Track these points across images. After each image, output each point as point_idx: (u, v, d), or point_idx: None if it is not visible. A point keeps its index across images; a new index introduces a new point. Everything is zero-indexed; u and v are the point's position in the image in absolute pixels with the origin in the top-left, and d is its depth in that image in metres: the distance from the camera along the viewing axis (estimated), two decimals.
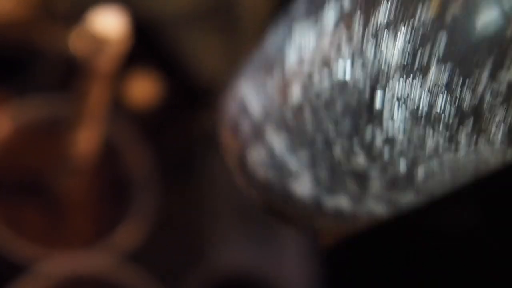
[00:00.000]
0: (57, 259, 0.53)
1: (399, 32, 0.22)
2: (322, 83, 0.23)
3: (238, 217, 0.68)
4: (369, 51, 0.22)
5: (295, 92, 0.24)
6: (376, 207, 0.26)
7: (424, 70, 0.22)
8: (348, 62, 0.23)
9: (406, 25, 0.22)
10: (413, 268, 0.59)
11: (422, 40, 0.21)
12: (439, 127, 0.22)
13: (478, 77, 0.21)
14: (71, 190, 0.57)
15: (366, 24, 0.22)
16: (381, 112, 0.22)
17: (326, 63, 0.23)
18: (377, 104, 0.22)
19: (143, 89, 0.65)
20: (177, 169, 0.68)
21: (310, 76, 0.24)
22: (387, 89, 0.22)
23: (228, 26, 0.85)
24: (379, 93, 0.22)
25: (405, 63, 0.22)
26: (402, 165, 0.23)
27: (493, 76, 0.21)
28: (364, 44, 0.22)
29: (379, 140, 0.23)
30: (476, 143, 0.23)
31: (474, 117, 0.22)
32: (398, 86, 0.22)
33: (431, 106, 0.22)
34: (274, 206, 0.28)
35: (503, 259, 0.54)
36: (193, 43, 0.82)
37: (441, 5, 0.21)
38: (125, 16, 0.39)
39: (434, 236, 0.58)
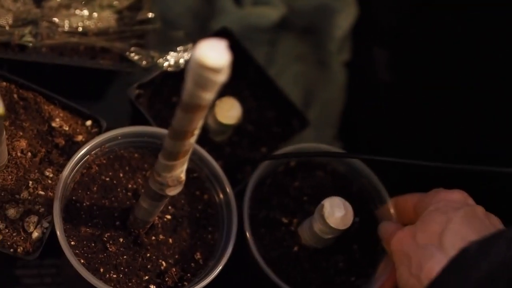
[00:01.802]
0: None
1: None
2: None
3: None
4: None
5: None
6: None
7: None
8: None
9: None
10: None
11: None
12: None
13: None
14: (156, 224, 0.55)
15: None
16: None
17: None
18: None
19: (228, 113, 0.63)
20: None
21: None
22: None
23: (314, 53, 0.83)
24: None
25: None
26: None
27: None
28: None
29: None
30: None
31: None
32: None
33: None
34: None
35: None
36: (278, 68, 0.80)
37: None
38: (226, 45, 0.37)
39: None
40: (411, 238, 0.50)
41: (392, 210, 0.60)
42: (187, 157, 0.44)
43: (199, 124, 0.41)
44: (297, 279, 0.57)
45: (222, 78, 0.36)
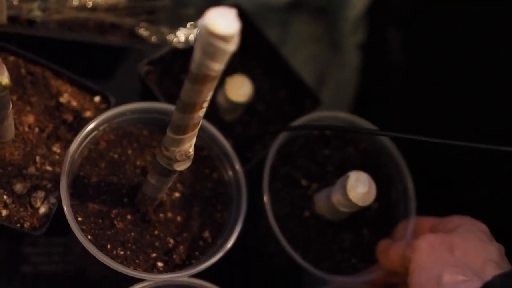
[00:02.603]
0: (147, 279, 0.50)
1: None
2: None
3: None
4: None
5: None
6: None
7: None
8: None
9: None
10: None
11: None
12: None
13: None
14: (165, 202, 0.54)
15: None
16: None
17: None
18: None
19: (238, 90, 0.62)
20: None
21: None
22: None
23: (327, 34, 0.81)
24: None
25: None
26: None
27: None
28: None
29: None
30: None
31: None
32: None
33: None
34: None
35: None
36: (290, 49, 0.78)
37: None
38: (236, 14, 0.36)
39: None
40: (448, 250, 0.47)
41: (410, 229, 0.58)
42: (195, 131, 0.43)
43: (208, 96, 0.40)
44: (299, 242, 0.57)
45: (231, 47, 0.35)
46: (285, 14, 0.80)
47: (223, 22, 0.34)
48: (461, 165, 0.61)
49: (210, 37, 0.34)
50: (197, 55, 0.36)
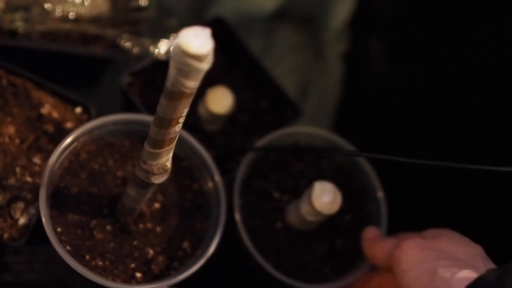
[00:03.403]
0: None
1: None
2: None
3: None
4: None
5: None
6: None
7: None
8: None
9: None
10: None
11: None
12: None
13: None
14: (144, 212, 0.55)
15: None
16: None
17: None
18: None
19: (219, 102, 0.62)
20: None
21: None
22: None
23: (311, 43, 0.82)
24: None
25: None
26: None
27: None
28: None
29: None
30: None
31: None
32: None
33: None
34: None
35: None
36: (274, 59, 0.79)
37: None
38: (211, 33, 0.36)
39: None
40: (438, 250, 0.47)
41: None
42: (173, 145, 0.44)
43: (184, 112, 0.40)
44: (271, 253, 0.58)
45: (205, 66, 0.36)
46: (270, 24, 0.81)
47: (197, 41, 0.35)
48: (433, 178, 0.62)
49: (183, 56, 0.35)
50: (171, 73, 0.37)
